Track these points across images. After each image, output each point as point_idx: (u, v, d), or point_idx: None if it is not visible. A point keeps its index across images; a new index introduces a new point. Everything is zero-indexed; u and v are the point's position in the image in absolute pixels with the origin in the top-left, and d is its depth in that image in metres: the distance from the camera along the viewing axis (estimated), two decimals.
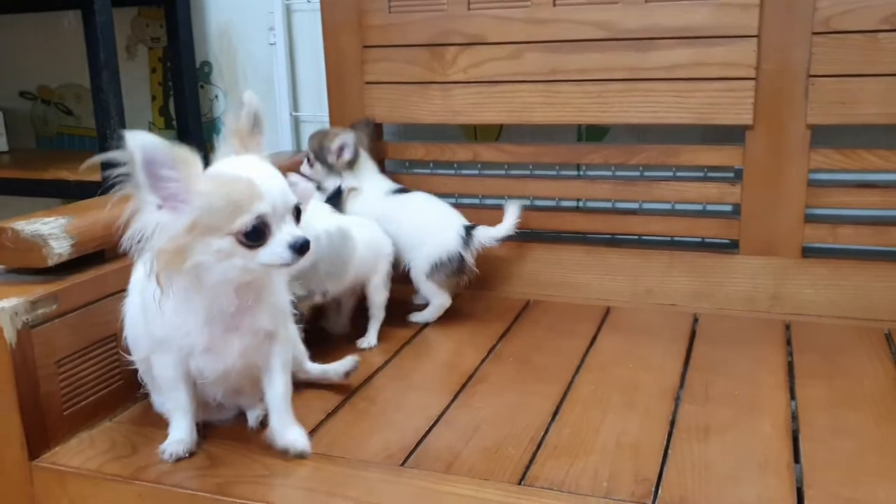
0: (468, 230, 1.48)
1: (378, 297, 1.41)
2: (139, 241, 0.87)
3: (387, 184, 1.59)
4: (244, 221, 0.87)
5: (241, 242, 0.87)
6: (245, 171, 0.90)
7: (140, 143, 0.84)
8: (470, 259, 1.46)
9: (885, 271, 1.46)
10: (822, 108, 1.43)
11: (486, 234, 1.47)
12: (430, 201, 1.56)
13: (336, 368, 1.21)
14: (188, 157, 0.87)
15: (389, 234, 1.45)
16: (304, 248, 0.90)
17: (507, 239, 1.46)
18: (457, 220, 1.51)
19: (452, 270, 1.45)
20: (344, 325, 1.45)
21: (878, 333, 1.38)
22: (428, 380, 1.27)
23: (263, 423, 1.07)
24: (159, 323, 0.97)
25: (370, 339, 1.39)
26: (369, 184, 1.56)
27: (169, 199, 0.86)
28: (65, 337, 1.07)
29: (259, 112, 0.97)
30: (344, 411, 1.16)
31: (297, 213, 0.93)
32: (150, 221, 0.86)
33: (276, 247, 0.89)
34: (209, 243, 0.87)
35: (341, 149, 1.53)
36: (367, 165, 1.58)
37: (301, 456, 1.01)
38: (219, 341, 0.97)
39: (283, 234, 0.89)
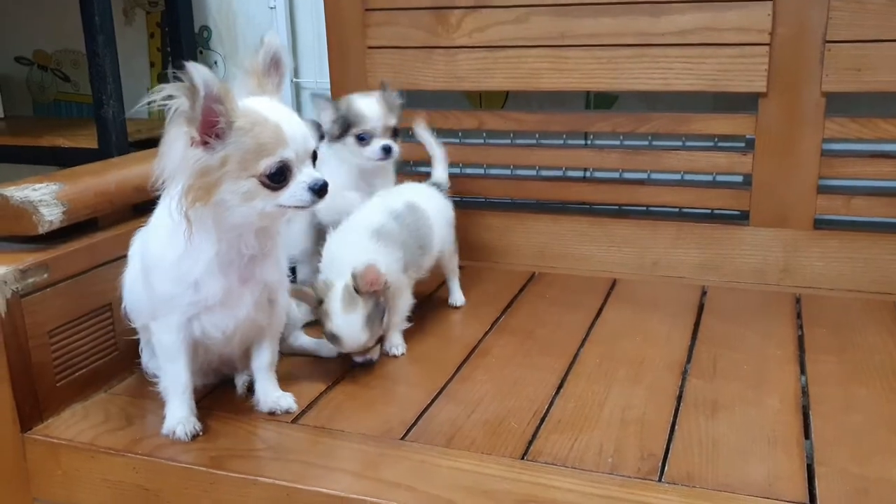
0: None
1: (453, 262, 1.42)
2: (170, 176, 0.88)
3: None
4: (269, 164, 0.89)
5: (263, 184, 0.90)
6: (272, 114, 0.91)
7: (203, 76, 0.85)
8: None
9: None
10: (838, 75, 1.38)
11: None
12: None
13: (331, 345, 1.19)
14: (232, 93, 0.88)
15: None
16: (323, 189, 0.93)
17: (511, 210, 1.42)
18: None
19: None
20: None
21: (890, 307, 1.35)
22: (430, 353, 1.24)
23: (250, 388, 1.07)
24: (164, 278, 0.95)
25: (458, 297, 1.42)
26: None
27: (207, 133, 0.87)
28: (57, 306, 1.05)
29: (279, 53, 0.97)
30: (343, 384, 1.14)
31: (314, 157, 0.95)
32: (187, 155, 0.87)
33: (297, 189, 0.92)
34: (235, 183, 0.89)
35: None
36: None
37: (288, 412, 1.04)
38: (233, 293, 0.97)
39: (304, 176, 0.92)
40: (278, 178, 0.90)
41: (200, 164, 0.87)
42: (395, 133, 1.37)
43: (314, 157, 0.95)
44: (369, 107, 1.34)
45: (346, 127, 1.34)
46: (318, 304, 1.12)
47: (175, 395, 1.00)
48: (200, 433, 0.99)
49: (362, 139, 1.33)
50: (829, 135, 1.42)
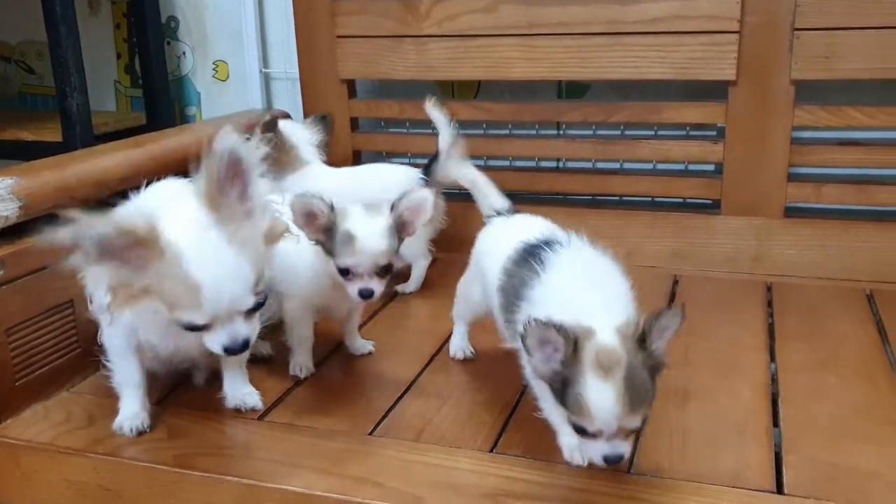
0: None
1: None
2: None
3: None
4: (180, 319, 0.84)
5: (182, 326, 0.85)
6: (198, 268, 0.81)
7: (95, 234, 0.77)
8: None
9: (868, 231, 1.43)
10: (807, 63, 1.38)
11: None
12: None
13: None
14: (147, 238, 0.80)
15: None
16: (239, 351, 0.88)
17: None
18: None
19: None
20: None
21: (860, 294, 1.36)
22: (402, 346, 1.23)
23: (209, 381, 1.06)
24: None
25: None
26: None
27: (124, 263, 0.81)
28: (14, 304, 1.02)
29: (236, 152, 0.82)
30: (312, 380, 1.12)
31: (257, 307, 0.87)
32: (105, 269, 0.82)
33: (210, 341, 0.87)
34: (157, 310, 0.84)
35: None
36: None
37: (254, 410, 1.02)
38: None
39: (221, 334, 0.85)
40: (191, 329, 0.85)
41: (121, 276, 0.81)
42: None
43: (257, 307, 0.86)
44: (602, 401, 0.80)
45: (568, 398, 0.82)
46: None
47: (128, 391, 0.98)
48: (147, 430, 0.97)
49: (582, 432, 0.83)
50: (798, 123, 1.42)
